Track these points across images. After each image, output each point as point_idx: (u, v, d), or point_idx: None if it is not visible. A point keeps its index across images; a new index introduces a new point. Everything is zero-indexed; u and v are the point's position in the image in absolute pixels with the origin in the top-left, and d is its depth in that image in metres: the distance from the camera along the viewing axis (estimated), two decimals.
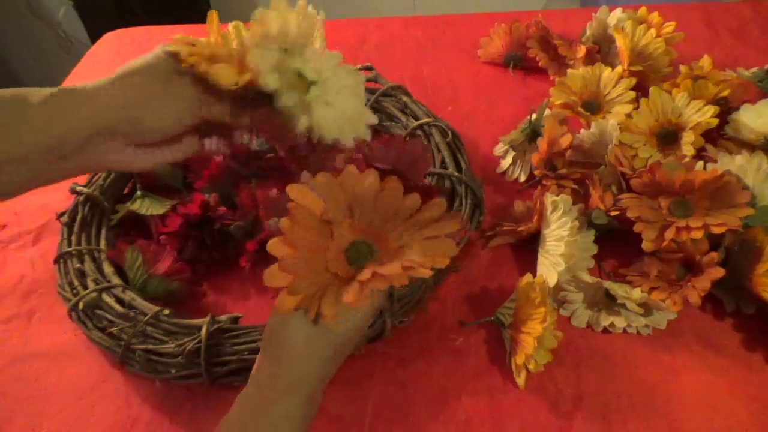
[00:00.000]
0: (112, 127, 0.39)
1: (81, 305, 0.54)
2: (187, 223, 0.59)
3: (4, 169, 0.37)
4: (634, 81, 0.66)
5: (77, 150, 0.39)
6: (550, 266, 0.52)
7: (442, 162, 0.63)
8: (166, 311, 0.52)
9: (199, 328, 0.49)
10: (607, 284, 0.52)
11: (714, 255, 0.51)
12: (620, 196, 0.55)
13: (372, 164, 0.47)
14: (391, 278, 0.35)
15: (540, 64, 0.79)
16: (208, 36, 0.43)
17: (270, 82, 0.39)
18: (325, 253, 0.38)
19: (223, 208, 0.59)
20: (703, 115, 0.59)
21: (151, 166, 0.44)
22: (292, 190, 0.39)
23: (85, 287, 0.55)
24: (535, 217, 0.55)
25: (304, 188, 0.39)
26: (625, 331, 0.53)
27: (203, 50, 0.39)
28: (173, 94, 0.41)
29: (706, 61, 0.69)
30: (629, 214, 0.53)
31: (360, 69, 0.73)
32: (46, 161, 0.38)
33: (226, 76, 0.39)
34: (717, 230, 0.49)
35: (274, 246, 0.37)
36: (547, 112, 0.65)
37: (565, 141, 0.60)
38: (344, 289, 0.36)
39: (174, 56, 0.40)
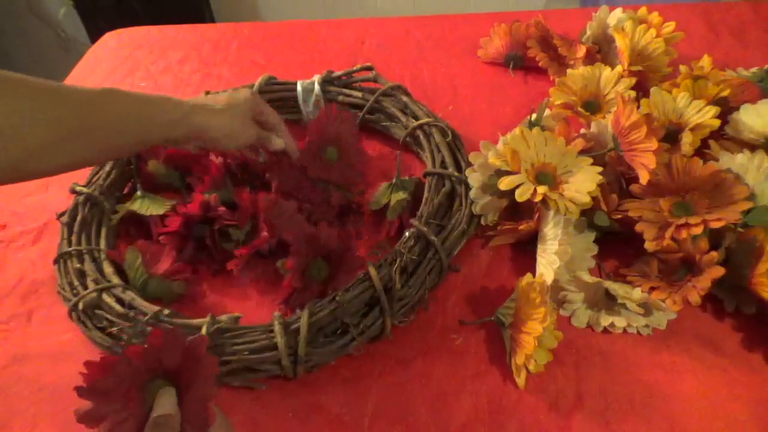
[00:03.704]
0: (201, 140, 0.56)
1: (81, 305, 0.54)
2: (186, 223, 0.59)
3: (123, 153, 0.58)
4: (634, 81, 0.66)
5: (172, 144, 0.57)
6: (546, 264, 0.53)
7: (442, 162, 0.63)
8: (166, 311, 0.52)
9: (199, 328, 0.49)
10: (607, 284, 0.52)
11: (714, 254, 0.51)
12: (622, 201, 0.55)
13: None
14: None
15: (540, 64, 0.79)
16: None
17: None
18: None
19: (222, 208, 0.59)
20: (704, 115, 0.59)
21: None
22: None
23: (85, 287, 0.55)
24: (536, 216, 0.56)
25: None
26: (625, 331, 0.53)
27: None
28: (246, 133, 0.58)
29: (706, 61, 0.69)
30: (631, 214, 0.53)
31: (360, 69, 0.74)
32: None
33: None
34: (715, 224, 0.49)
35: None
36: (547, 112, 0.65)
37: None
38: None
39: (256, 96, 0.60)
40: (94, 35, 1.17)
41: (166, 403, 0.36)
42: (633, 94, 0.65)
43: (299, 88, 0.73)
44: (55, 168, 0.48)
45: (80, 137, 0.47)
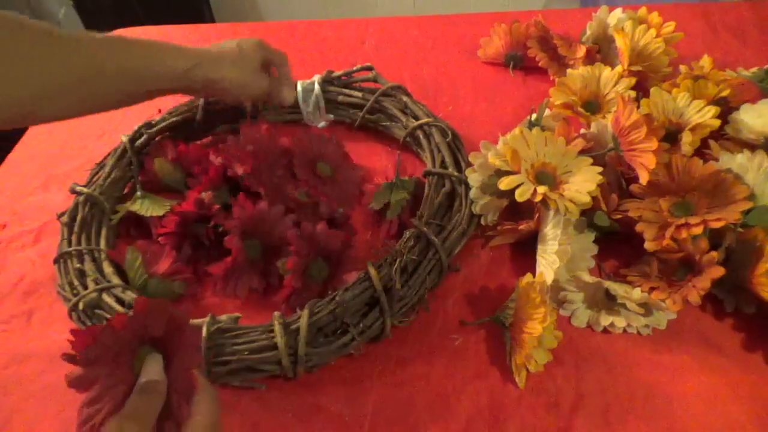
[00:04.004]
0: (211, 90, 0.58)
1: (81, 305, 0.54)
2: (183, 223, 0.59)
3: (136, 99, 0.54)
4: (634, 81, 0.66)
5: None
6: (547, 265, 0.53)
7: (442, 162, 0.63)
8: None
9: (199, 328, 0.49)
10: (607, 284, 0.52)
11: (714, 254, 0.51)
12: (622, 201, 0.55)
13: None
14: None
15: (540, 64, 0.79)
16: None
17: None
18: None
19: (216, 206, 0.59)
20: (704, 115, 0.59)
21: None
22: None
23: (85, 287, 0.55)
24: (536, 216, 0.56)
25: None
26: (625, 331, 0.53)
27: None
28: (256, 83, 0.60)
29: (706, 61, 0.69)
30: (631, 214, 0.53)
31: (360, 69, 0.74)
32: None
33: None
34: (715, 224, 0.49)
35: None
36: (547, 112, 0.65)
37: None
38: None
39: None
40: None
41: (153, 369, 0.36)
42: (633, 94, 0.65)
43: (299, 88, 0.73)
44: (59, 115, 0.49)
45: (85, 84, 0.48)
